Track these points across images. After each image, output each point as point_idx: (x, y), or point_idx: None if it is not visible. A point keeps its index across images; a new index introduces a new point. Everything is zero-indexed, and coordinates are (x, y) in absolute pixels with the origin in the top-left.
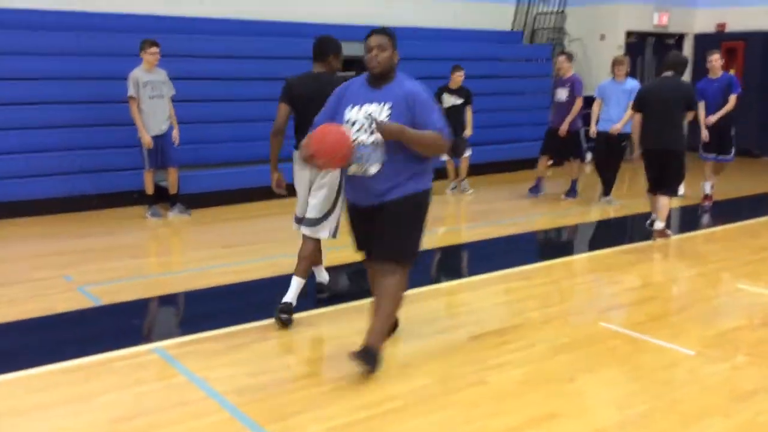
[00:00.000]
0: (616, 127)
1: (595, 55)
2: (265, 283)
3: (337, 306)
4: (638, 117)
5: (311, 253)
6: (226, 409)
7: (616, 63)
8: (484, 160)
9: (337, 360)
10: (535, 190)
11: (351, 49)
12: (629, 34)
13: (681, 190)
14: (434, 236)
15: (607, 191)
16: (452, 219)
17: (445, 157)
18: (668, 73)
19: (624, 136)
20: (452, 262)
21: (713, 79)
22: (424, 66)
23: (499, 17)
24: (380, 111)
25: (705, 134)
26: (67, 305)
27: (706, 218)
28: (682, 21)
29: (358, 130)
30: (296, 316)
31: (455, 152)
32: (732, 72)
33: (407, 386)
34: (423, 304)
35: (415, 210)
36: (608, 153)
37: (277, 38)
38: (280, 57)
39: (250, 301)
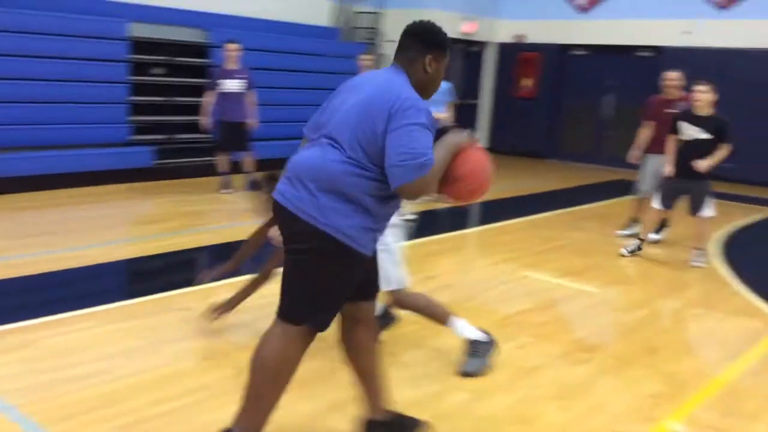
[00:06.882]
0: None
1: None
2: (48, 278)
3: (141, 298)
4: None
5: None
6: (3, 411)
7: None
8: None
9: (135, 353)
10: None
11: (151, 31)
12: None
13: None
14: None
15: None
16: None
17: None
18: None
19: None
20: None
21: None
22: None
23: (317, 13)
24: None
25: None
26: None
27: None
28: (487, 30)
29: None
30: (95, 309)
31: None
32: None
33: (209, 378)
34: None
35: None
36: None
37: (78, 16)
38: (81, 36)
39: (33, 297)
